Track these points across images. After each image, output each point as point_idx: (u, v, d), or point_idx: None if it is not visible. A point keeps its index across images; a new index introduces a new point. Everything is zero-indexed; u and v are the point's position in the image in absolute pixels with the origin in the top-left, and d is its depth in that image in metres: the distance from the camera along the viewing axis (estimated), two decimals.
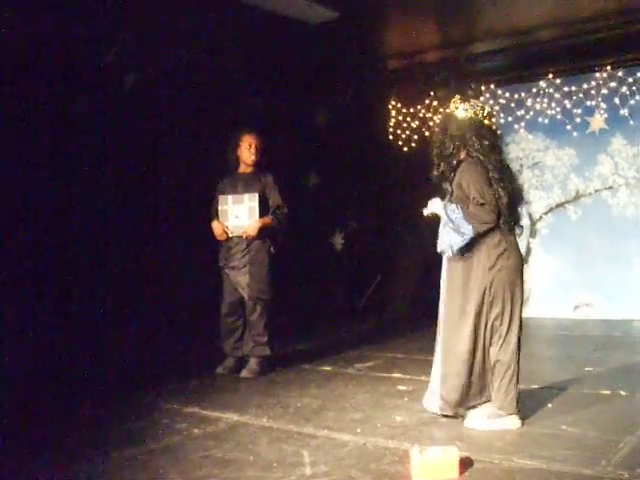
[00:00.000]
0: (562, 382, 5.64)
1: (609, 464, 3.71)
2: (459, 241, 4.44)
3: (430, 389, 4.69)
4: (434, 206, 4.63)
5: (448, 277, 4.61)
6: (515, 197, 4.54)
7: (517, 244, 4.60)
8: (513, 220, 4.51)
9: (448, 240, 4.48)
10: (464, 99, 4.74)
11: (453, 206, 4.49)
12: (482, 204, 4.40)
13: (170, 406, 5.26)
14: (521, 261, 4.59)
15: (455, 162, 4.63)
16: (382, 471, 3.72)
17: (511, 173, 4.66)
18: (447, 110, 4.88)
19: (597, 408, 4.92)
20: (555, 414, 4.72)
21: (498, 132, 4.89)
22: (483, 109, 4.76)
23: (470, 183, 4.46)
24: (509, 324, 4.46)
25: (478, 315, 4.45)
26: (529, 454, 3.91)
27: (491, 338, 4.48)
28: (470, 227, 4.40)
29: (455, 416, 4.56)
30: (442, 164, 4.69)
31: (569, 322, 9.53)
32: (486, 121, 4.75)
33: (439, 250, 4.60)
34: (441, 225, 4.57)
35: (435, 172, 4.76)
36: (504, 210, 4.44)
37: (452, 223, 4.46)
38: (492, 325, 4.46)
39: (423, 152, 9.88)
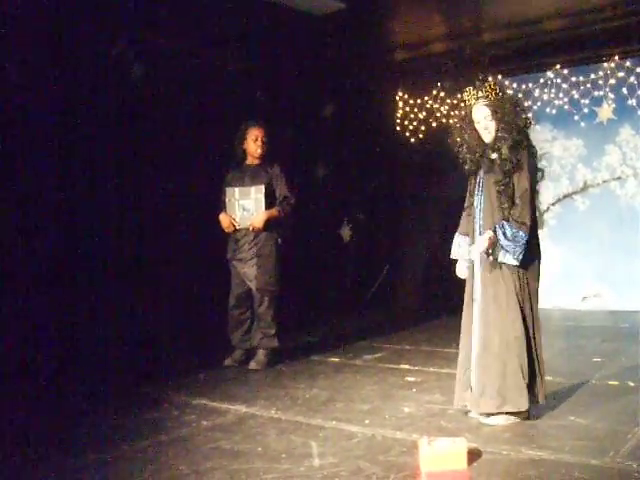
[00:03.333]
0: (570, 373, 5.64)
1: (617, 455, 3.71)
2: (520, 250, 4.31)
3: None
4: (483, 242, 4.39)
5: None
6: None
7: None
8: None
9: (502, 254, 4.32)
10: (466, 90, 4.64)
11: (504, 226, 4.33)
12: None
13: (179, 398, 5.28)
14: None
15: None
16: (390, 462, 3.72)
17: None
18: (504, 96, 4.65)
19: (605, 399, 4.92)
20: (563, 405, 4.72)
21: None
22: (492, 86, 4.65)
23: (525, 178, 4.37)
24: None
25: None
26: (537, 445, 3.92)
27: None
28: (522, 233, 4.30)
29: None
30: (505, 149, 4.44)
31: (577, 313, 9.53)
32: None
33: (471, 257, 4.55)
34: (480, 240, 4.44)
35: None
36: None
37: (507, 240, 4.31)
38: None
39: (431, 143, 9.98)
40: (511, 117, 4.44)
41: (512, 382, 4.33)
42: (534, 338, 4.41)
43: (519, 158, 4.38)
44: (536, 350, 4.42)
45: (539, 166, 4.61)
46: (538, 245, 4.50)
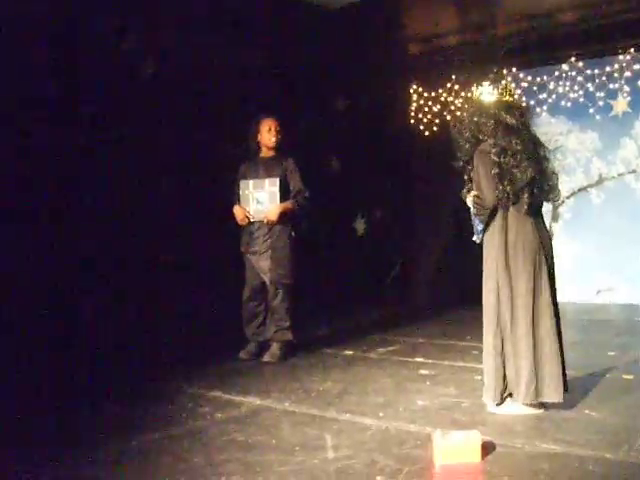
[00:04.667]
0: (584, 367, 5.62)
1: (631, 449, 3.70)
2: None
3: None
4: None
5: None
6: (534, 176, 4.47)
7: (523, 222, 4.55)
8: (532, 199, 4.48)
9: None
10: (480, 83, 4.71)
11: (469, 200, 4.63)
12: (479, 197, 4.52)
13: (193, 391, 5.31)
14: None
15: (469, 147, 4.62)
16: (404, 455, 3.73)
17: (535, 151, 4.56)
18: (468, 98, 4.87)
19: (620, 393, 4.91)
20: (577, 399, 4.71)
21: (522, 108, 4.81)
22: (505, 89, 4.70)
23: (477, 174, 4.53)
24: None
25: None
26: (551, 438, 3.92)
27: None
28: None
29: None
30: (460, 153, 4.69)
31: (591, 307, 9.49)
32: (509, 98, 4.69)
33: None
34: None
35: (461, 162, 4.73)
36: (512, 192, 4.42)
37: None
38: None
39: (445, 136, 9.95)
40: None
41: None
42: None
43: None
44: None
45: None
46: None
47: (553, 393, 4.38)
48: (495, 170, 4.41)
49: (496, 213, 4.50)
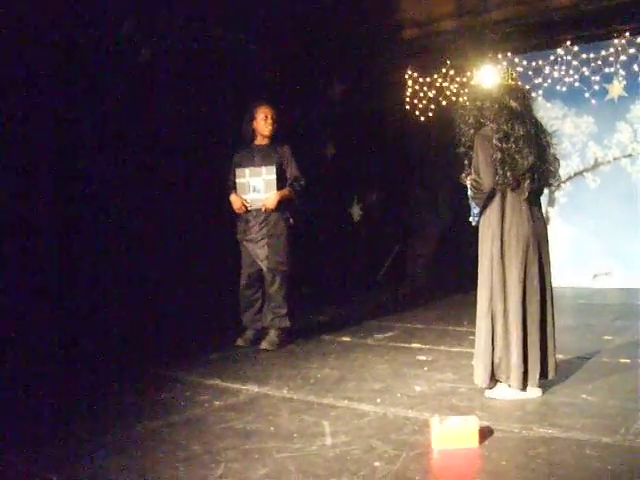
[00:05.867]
0: (581, 351, 5.64)
1: (628, 432, 3.72)
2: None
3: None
4: None
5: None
6: (535, 159, 4.46)
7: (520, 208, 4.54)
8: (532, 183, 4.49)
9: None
10: (480, 67, 4.68)
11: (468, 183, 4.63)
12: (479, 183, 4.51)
13: (191, 378, 5.31)
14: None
15: (473, 132, 4.60)
16: (402, 441, 3.74)
17: (537, 136, 4.53)
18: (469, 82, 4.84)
19: (616, 377, 4.92)
20: (574, 383, 4.73)
21: (525, 92, 4.78)
22: (507, 72, 4.67)
23: (476, 158, 4.52)
24: None
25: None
26: (549, 423, 3.93)
27: None
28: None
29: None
30: (463, 138, 4.66)
31: (588, 291, 9.52)
32: (512, 82, 4.66)
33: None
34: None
35: (462, 148, 4.70)
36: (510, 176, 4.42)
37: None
38: None
39: (440, 121, 9.95)
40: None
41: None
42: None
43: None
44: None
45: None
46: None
47: (532, 380, 4.43)
48: (497, 155, 4.39)
49: (494, 197, 4.50)
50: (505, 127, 4.43)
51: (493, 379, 4.51)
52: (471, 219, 4.66)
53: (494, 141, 4.42)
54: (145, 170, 7.39)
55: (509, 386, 4.44)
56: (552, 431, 3.79)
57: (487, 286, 4.51)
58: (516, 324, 4.41)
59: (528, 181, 4.44)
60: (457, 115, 4.73)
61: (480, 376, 4.52)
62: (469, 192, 4.60)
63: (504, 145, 4.40)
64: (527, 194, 4.45)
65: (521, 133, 4.42)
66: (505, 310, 4.44)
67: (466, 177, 4.67)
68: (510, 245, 4.44)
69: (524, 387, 4.43)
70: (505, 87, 4.59)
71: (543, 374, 4.47)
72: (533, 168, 4.44)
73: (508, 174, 4.38)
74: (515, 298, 4.42)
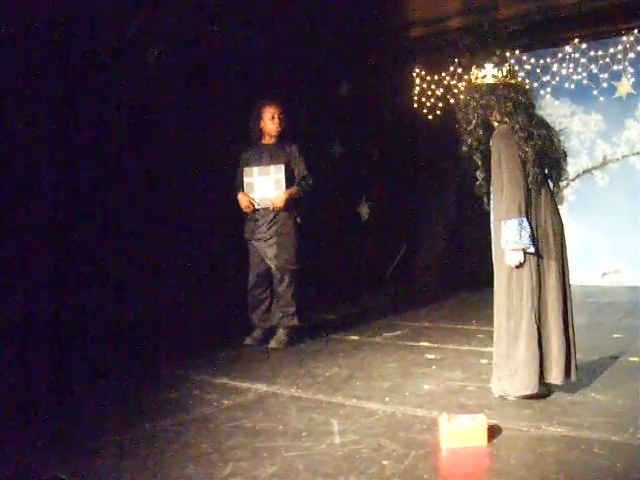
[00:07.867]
0: (590, 349, 5.61)
1: (637, 431, 3.71)
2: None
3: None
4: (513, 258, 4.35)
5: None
6: (548, 154, 4.45)
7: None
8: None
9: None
10: (481, 65, 4.65)
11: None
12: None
13: (200, 377, 5.32)
14: None
15: (481, 132, 4.56)
16: (411, 439, 3.75)
17: (545, 130, 4.51)
18: (467, 82, 4.79)
19: (625, 375, 4.92)
20: (583, 381, 4.71)
21: (530, 90, 4.77)
22: (511, 71, 4.65)
23: (504, 162, 4.36)
24: None
25: None
26: (557, 421, 3.93)
27: None
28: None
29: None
30: (469, 138, 4.60)
31: (597, 289, 9.48)
32: (512, 80, 4.64)
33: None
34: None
35: (464, 147, 4.65)
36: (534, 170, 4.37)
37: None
38: None
39: (448, 120, 9.93)
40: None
41: None
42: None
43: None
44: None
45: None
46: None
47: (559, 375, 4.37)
48: (528, 153, 4.31)
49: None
50: (527, 125, 4.40)
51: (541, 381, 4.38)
52: (525, 244, 4.27)
53: (517, 140, 4.36)
54: (152, 169, 7.38)
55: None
56: (561, 429, 3.79)
57: (525, 285, 4.36)
58: (555, 318, 4.38)
59: (555, 175, 4.45)
60: (460, 114, 4.69)
61: (525, 382, 4.31)
62: (506, 211, 4.31)
63: (530, 142, 4.37)
64: (554, 188, 4.46)
65: (543, 131, 4.42)
66: (544, 307, 4.39)
67: (484, 182, 4.58)
68: (548, 240, 4.38)
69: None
70: (518, 85, 4.58)
71: (567, 375, 4.42)
72: (559, 162, 4.46)
73: (538, 171, 4.35)
74: (554, 294, 4.39)
